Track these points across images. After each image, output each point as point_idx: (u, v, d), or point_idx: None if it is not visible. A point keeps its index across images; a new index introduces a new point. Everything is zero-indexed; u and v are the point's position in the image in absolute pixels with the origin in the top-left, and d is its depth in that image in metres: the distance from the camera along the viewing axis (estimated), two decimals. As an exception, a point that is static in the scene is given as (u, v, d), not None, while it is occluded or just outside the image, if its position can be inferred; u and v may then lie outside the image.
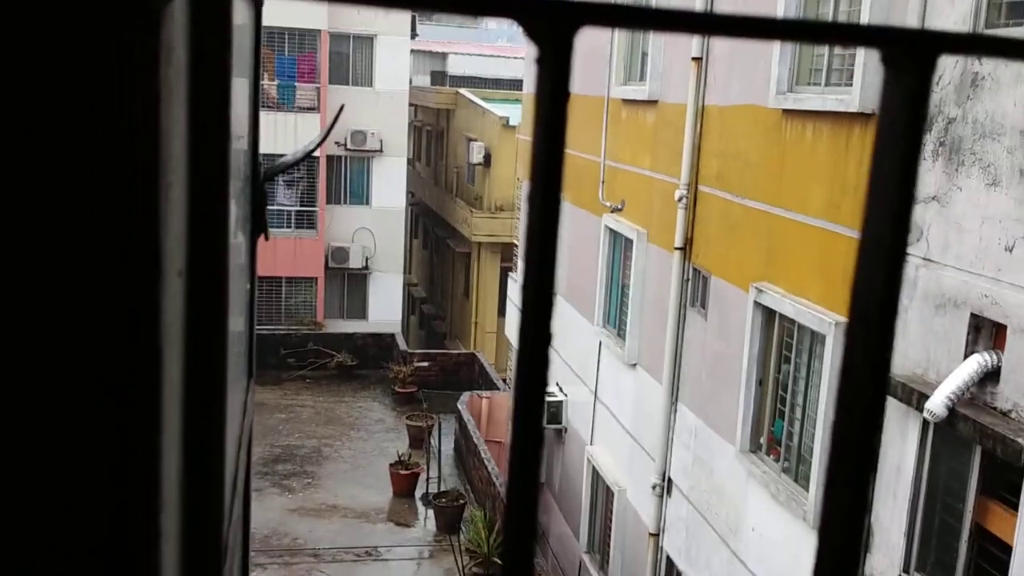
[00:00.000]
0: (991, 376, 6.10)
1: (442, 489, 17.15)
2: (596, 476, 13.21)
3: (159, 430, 0.57)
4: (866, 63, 7.36)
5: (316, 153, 25.09)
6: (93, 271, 0.51)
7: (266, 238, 1.67)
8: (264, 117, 27.46)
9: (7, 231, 0.50)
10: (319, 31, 25.35)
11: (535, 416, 0.43)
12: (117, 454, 0.55)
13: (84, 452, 0.54)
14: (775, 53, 8.66)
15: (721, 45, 9.98)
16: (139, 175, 0.51)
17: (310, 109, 25.40)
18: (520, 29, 0.42)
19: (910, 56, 0.44)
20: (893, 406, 6.95)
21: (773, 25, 0.43)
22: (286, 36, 25.16)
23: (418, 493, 17.67)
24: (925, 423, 6.59)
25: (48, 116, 0.49)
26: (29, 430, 0.52)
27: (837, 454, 0.46)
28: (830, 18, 8.13)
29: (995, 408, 6.07)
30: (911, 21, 6.85)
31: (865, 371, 0.45)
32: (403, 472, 17.63)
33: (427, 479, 17.44)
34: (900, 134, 0.44)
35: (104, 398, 0.53)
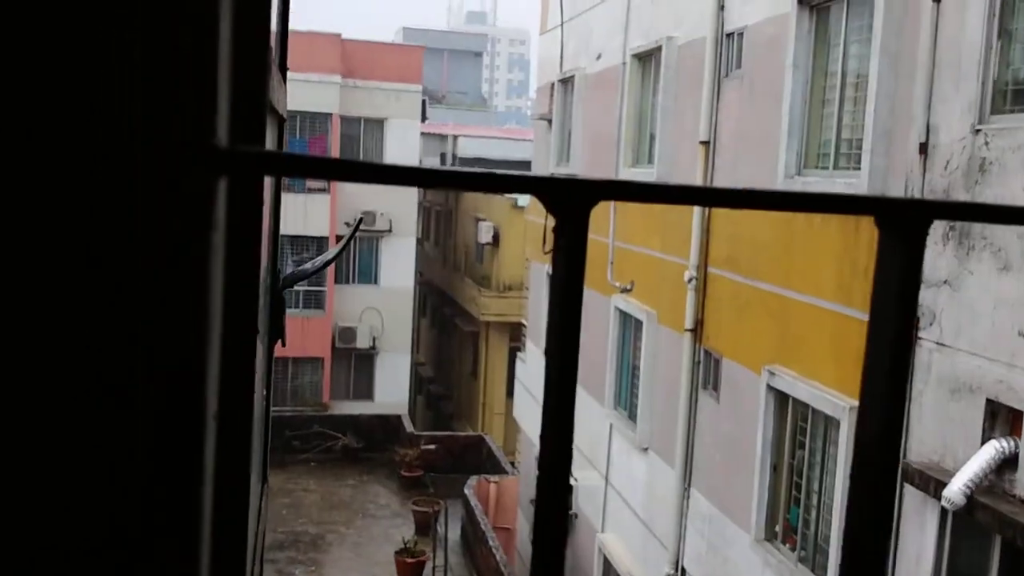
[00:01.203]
0: (1009, 463, 5.99)
1: (449, 577, 16.79)
2: (607, 565, 12.91)
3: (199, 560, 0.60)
4: (874, 147, 7.41)
5: (325, 233, 25.29)
6: (141, 421, 0.54)
7: (283, 344, 1.65)
8: (275, 199, 27.53)
9: (78, 376, 0.53)
10: (330, 114, 25.81)
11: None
12: None
13: None
14: (783, 137, 8.74)
15: (728, 129, 10.10)
16: (191, 330, 0.55)
17: (320, 190, 25.70)
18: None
19: (904, 223, 0.48)
20: (911, 493, 6.80)
21: (772, 197, 0.50)
22: (298, 118, 25.62)
23: (424, 581, 17.28)
24: (943, 511, 6.44)
25: (122, 279, 0.54)
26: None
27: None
28: (836, 109, 8.22)
29: (1014, 496, 5.94)
30: (917, 110, 6.91)
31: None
32: (409, 560, 17.27)
33: (433, 567, 17.08)
34: (895, 299, 0.47)
35: (148, 540, 0.56)
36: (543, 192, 0.44)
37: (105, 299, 0.53)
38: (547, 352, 0.46)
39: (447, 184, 0.47)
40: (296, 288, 26.05)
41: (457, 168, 0.47)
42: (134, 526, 0.54)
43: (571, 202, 0.44)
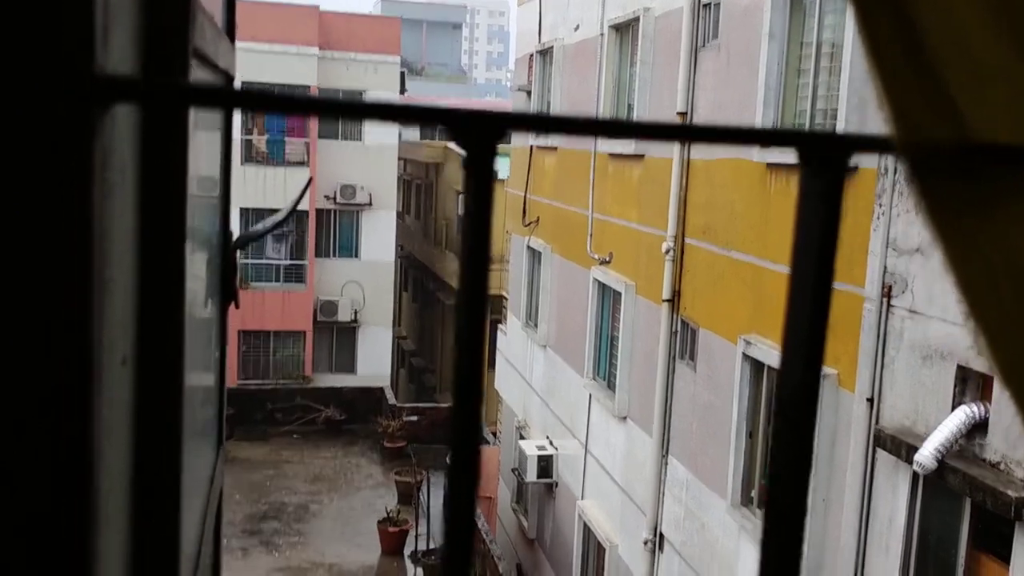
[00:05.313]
0: (979, 428, 6.09)
1: (432, 546, 16.92)
2: (587, 531, 13.06)
3: (93, 526, 0.55)
4: (848, 116, 7.46)
5: (305, 207, 25.17)
6: (18, 366, 0.51)
7: (236, 306, 1.67)
8: (254, 171, 27.26)
9: None
10: (308, 87, 25.59)
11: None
12: (48, 556, 0.53)
13: (11, 556, 0.52)
14: (758, 106, 8.77)
15: (705, 100, 10.11)
16: (68, 274, 0.51)
17: (299, 163, 25.54)
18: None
19: (825, 157, 0.47)
20: (883, 458, 6.92)
21: (690, 130, 0.49)
22: (275, 91, 25.31)
23: (407, 551, 17.42)
24: (915, 476, 6.56)
25: None
26: None
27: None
28: (811, 78, 8.25)
29: (984, 460, 6.05)
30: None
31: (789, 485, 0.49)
32: (392, 529, 17.40)
33: (416, 536, 17.22)
34: (817, 231, 0.47)
35: (28, 497, 0.52)
36: (447, 123, 0.44)
37: None
38: (457, 293, 0.47)
39: (342, 113, 0.45)
40: (277, 262, 25.97)
41: (353, 100, 0.46)
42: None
43: (477, 133, 0.43)
